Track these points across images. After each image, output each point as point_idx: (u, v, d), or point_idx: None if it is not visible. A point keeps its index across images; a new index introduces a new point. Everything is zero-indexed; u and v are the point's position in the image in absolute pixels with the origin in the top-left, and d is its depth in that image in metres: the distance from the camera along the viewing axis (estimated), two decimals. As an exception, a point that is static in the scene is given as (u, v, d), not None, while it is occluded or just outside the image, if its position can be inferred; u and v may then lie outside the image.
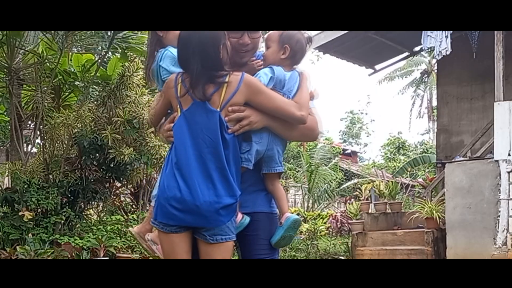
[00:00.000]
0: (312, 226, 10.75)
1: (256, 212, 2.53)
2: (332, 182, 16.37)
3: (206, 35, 2.39)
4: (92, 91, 7.81)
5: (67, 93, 7.89)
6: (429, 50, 10.10)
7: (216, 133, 2.34)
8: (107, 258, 6.63)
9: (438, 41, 8.58)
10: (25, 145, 7.77)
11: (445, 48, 8.55)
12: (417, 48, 11.71)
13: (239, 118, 2.38)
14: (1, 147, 11.66)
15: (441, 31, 8.48)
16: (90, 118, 7.18)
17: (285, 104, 2.42)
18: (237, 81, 2.36)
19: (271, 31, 2.55)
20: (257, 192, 2.56)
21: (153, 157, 7.42)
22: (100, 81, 7.63)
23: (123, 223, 7.42)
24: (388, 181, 12.53)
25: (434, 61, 21.74)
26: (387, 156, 27.83)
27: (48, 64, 7.22)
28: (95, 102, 7.64)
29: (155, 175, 8.94)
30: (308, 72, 2.58)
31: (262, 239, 2.53)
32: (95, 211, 8.18)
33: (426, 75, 29.46)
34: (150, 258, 7.01)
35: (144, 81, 8.03)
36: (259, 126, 2.43)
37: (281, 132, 2.50)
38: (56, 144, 7.28)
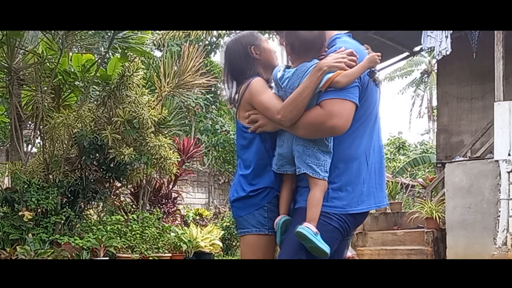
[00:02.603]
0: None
1: (295, 208, 2.53)
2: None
3: (230, 47, 2.68)
4: (92, 91, 7.80)
5: (67, 93, 7.87)
6: (429, 50, 10.10)
7: (237, 137, 2.66)
8: (107, 258, 6.62)
9: (438, 41, 8.59)
10: (25, 145, 7.76)
11: (445, 48, 8.55)
12: (417, 48, 11.70)
13: (254, 120, 2.54)
14: (1, 147, 11.66)
15: (441, 31, 8.48)
16: (90, 118, 7.17)
17: (269, 107, 2.46)
18: (245, 88, 2.56)
19: None
20: (299, 188, 2.53)
21: (153, 157, 7.42)
22: (100, 81, 7.62)
23: (123, 223, 7.41)
24: (388, 181, 12.53)
25: (434, 61, 21.75)
26: (387, 156, 27.80)
27: (48, 64, 7.21)
28: (95, 102, 7.63)
29: (155, 175, 8.94)
30: (325, 63, 2.34)
31: (288, 235, 2.46)
32: (95, 211, 8.17)
33: (426, 75, 29.49)
34: (150, 258, 7.01)
35: (144, 81, 8.05)
36: (270, 128, 2.51)
37: (291, 131, 2.45)
38: (56, 144, 7.27)
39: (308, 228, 2.33)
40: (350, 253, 2.82)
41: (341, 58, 2.35)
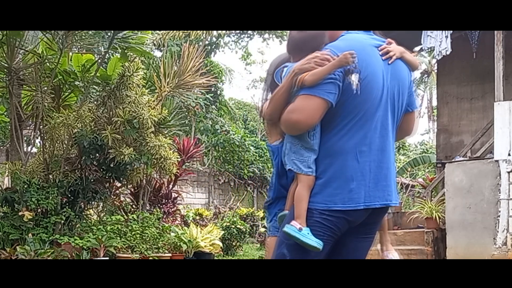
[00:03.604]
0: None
1: None
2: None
3: (269, 65, 2.91)
4: (92, 91, 7.80)
5: (67, 93, 7.87)
6: (429, 50, 10.09)
7: None
8: (107, 258, 6.62)
9: (438, 41, 8.58)
10: (25, 145, 7.76)
11: (445, 48, 8.54)
12: (417, 48, 11.69)
13: None
14: (1, 147, 11.66)
15: (441, 31, 8.47)
16: (90, 118, 7.17)
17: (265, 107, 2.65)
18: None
19: None
20: None
21: (153, 157, 7.42)
22: (100, 81, 7.62)
23: (123, 223, 7.41)
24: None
25: (434, 61, 21.75)
26: (386, 156, 27.69)
27: (48, 64, 7.21)
28: (95, 102, 7.63)
29: (155, 175, 8.94)
30: (297, 63, 2.42)
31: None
32: (95, 211, 8.17)
33: (426, 75, 29.48)
34: (150, 258, 7.01)
35: (144, 81, 8.05)
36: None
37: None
38: (56, 144, 7.27)
39: (292, 226, 2.36)
40: (391, 257, 2.85)
41: (312, 58, 2.39)
